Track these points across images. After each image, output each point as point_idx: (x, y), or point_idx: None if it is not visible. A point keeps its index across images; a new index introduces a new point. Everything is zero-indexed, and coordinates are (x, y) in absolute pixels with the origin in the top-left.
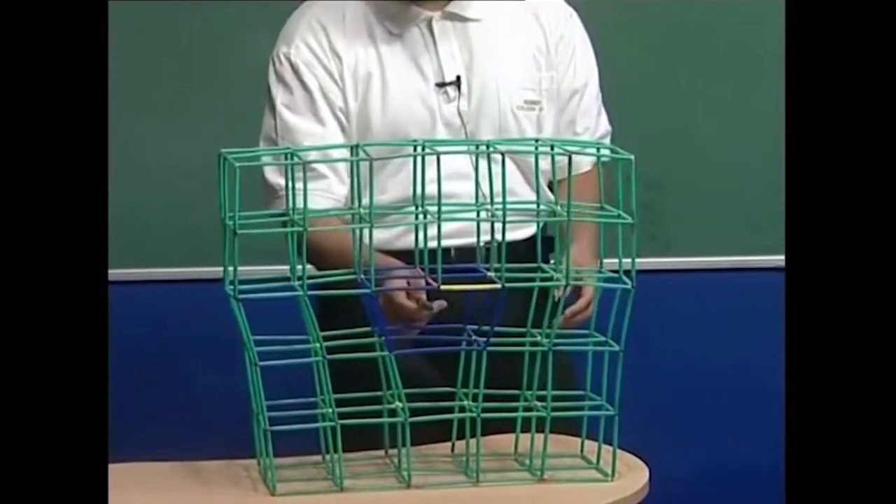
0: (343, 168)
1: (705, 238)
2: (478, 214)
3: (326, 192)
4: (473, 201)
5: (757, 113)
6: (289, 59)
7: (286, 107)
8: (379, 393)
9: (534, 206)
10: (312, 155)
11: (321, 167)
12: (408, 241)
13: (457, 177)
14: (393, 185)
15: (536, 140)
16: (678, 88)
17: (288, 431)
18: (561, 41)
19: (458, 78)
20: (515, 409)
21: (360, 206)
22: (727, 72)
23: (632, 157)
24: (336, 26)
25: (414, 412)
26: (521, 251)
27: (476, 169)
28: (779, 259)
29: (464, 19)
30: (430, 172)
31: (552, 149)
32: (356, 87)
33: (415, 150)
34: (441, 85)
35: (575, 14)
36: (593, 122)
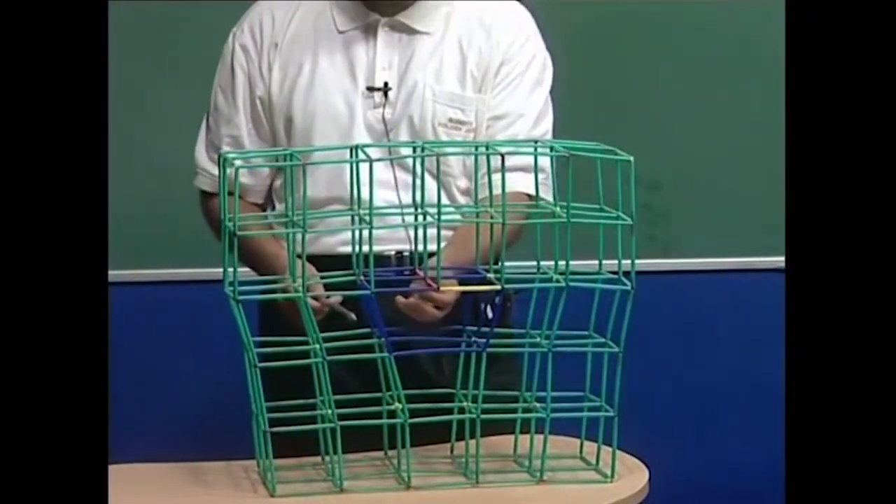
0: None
1: (705, 239)
2: (477, 216)
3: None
4: (394, 208)
5: (757, 113)
6: (233, 40)
7: (219, 86)
8: (378, 395)
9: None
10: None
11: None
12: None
13: (375, 183)
14: (310, 182)
15: (536, 141)
16: (678, 89)
17: (287, 433)
18: (505, 65)
19: (386, 84)
20: (511, 411)
21: (359, 207)
22: (727, 72)
23: (631, 158)
24: (285, 16)
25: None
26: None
27: (484, 177)
28: (779, 260)
29: (412, 31)
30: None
31: (552, 150)
32: (284, 79)
33: (414, 150)
34: (371, 89)
35: (533, 39)
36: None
